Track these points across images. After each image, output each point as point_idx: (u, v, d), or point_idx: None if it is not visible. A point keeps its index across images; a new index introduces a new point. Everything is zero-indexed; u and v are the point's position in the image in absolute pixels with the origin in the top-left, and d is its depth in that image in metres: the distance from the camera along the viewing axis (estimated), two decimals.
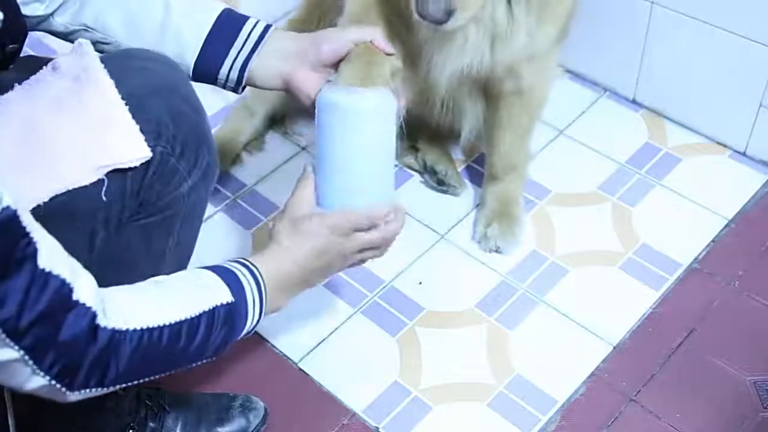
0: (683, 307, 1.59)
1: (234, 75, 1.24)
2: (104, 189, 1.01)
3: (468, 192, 1.81)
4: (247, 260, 1.11)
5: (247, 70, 1.23)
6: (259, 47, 1.23)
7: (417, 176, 1.84)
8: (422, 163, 1.81)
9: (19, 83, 1.05)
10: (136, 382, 0.99)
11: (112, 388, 0.96)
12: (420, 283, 1.66)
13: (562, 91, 1.94)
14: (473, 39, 1.40)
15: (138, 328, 0.94)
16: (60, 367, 0.90)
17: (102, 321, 0.91)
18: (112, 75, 1.04)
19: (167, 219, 1.11)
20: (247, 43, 1.22)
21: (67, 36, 1.22)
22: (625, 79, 1.95)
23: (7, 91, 1.03)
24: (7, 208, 0.81)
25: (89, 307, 0.90)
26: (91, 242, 1.04)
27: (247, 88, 1.28)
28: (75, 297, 0.89)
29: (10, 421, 1.10)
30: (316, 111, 1.20)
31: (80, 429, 1.25)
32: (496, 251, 1.68)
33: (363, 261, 1.23)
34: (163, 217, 1.10)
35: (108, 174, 1.01)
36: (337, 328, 1.59)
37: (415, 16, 1.25)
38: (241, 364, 1.52)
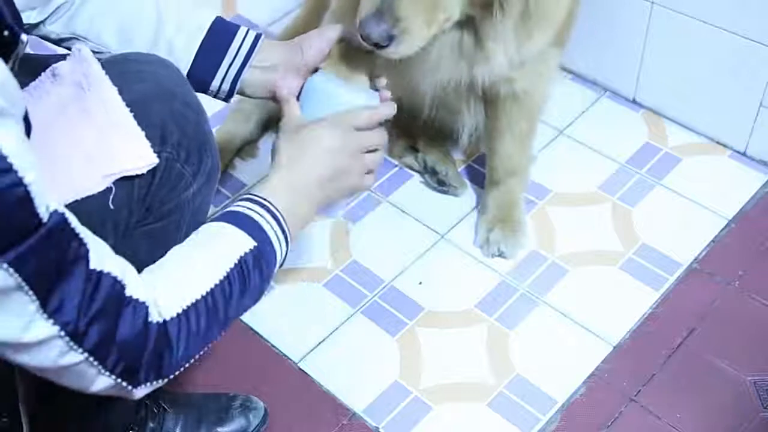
0: (683, 307, 1.59)
1: (226, 86, 1.24)
2: (112, 197, 1.01)
3: (468, 192, 1.81)
4: (256, 195, 1.08)
5: (239, 81, 1.24)
6: (250, 59, 1.23)
7: (417, 176, 1.84)
8: (422, 163, 1.81)
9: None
10: (195, 359, 0.99)
11: (172, 376, 0.97)
12: (420, 283, 1.65)
13: (562, 91, 1.94)
14: (447, 57, 1.39)
15: (176, 313, 0.94)
16: (123, 364, 0.90)
17: (150, 315, 0.92)
18: (113, 81, 1.04)
19: (173, 223, 1.11)
20: (239, 55, 1.22)
21: (59, 43, 1.21)
22: (625, 79, 1.95)
23: None
24: (56, 212, 0.82)
25: (143, 302, 0.91)
26: None
27: None
28: (128, 293, 0.89)
29: (23, 420, 1.10)
30: (302, 94, 1.21)
31: (81, 429, 1.25)
32: (499, 256, 1.68)
33: (369, 171, 1.19)
34: (169, 221, 1.10)
35: (115, 181, 1.01)
36: (337, 328, 1.59)
37: (359, 38, 1.24)
38: (241, 364, 1.52)
